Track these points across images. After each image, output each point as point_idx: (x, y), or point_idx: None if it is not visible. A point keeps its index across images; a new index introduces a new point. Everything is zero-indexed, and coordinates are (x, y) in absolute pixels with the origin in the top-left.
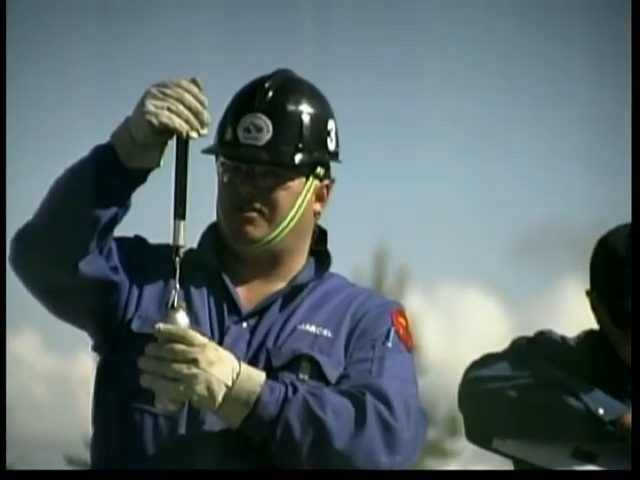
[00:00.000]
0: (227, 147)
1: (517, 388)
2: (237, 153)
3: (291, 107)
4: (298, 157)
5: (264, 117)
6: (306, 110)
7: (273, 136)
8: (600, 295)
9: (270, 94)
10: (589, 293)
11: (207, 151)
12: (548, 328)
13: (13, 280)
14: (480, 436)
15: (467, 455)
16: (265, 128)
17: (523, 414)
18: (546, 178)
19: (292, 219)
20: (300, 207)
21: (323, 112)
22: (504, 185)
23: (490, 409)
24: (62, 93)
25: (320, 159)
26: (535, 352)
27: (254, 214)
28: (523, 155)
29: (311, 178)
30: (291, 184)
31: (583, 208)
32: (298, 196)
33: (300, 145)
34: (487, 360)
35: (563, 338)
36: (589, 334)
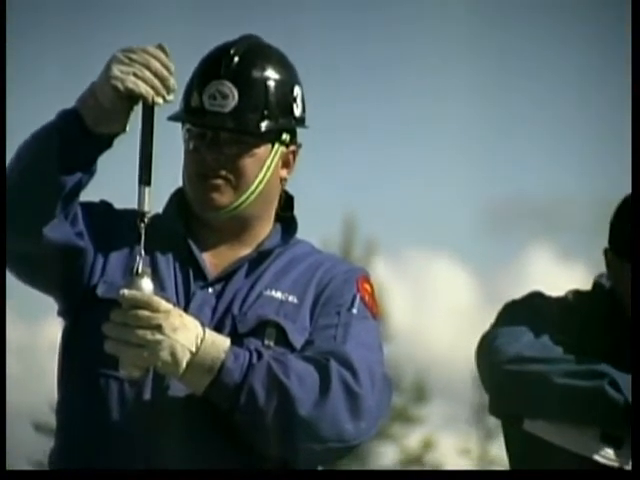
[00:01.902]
0: (192, 114)
1: (563, 374)
2: (202, 120)
3: (257, 74)
4: (264, 124)
5: (229, 84)
6: (272, 76)
7: (238, 103)
8: (624, 251)
9: (235, 60)
10: (606, 251)
11: (173, 118)
12: (537, 290)
13: None
14: (510, 414)
15: (435, 421)
16: (230, 95)
17: (563, 399)
18: (513, 154)
19: (258, 185)
20: (266, 173)
21: (289, 78)
22: (473, 158)
23: (530, 390)
24: (62, 93)
25: (286, 125)
26: (551, 323)
27: (220, 181)
28: (495, 132)
29: (277, 144)
30: (257, 151)
31: (547, 183)
32: (264, 162)
33: (266, 112)
34: (512, 335)
35: (559, 299)
36: (586, 296)
